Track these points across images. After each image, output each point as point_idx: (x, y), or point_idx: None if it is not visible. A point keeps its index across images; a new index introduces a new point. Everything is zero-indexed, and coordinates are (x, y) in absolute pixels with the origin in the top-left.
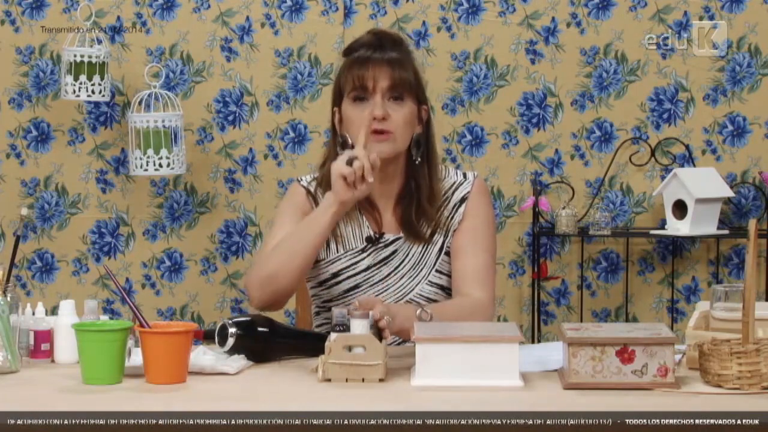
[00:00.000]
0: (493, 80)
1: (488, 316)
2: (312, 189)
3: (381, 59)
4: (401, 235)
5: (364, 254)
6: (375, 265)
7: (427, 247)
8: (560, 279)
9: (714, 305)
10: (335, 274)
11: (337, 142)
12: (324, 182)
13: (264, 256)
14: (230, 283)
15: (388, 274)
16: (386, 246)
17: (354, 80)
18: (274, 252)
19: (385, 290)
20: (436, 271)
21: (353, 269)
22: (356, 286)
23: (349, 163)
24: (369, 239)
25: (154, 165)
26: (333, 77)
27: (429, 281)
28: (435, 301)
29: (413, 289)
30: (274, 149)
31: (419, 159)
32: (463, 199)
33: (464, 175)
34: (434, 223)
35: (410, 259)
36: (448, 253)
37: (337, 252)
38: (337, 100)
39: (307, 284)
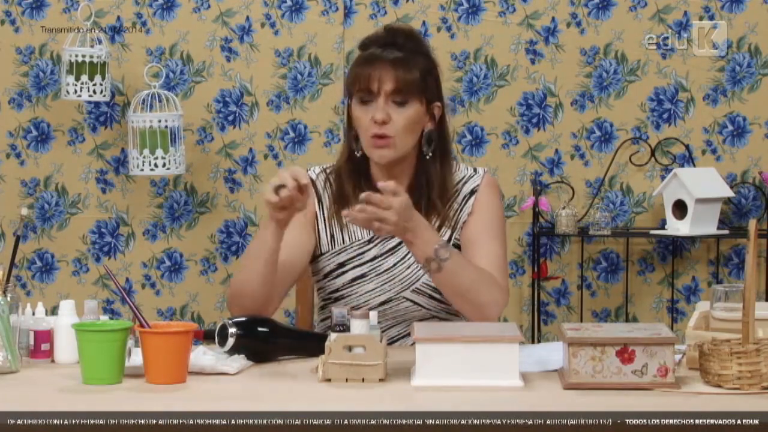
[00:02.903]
0: (493, 80)
1: (503, 300)
2: (322, 180)
3: (387, 60)
4: None
5: (371, 245)
6: (382, 255)
7: None
8: (560, 279)
9: (714, 305)
10: (341, 264)
11: (351, 134)
12: (338, 172)
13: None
14: (230, 283)
15: (395, 264)
16: (392, 237)
17: (360, 81)
18: (238, 270)
19: (392, 279)
20: None
21: (360, 259)
22: (362, 276)
23: (277, 190)
24: None
25: (150, 165)
26: (334, 75)
27: None
28: (441, 293)
29: (419, 279)
30: (274, 149)
31: (430, 155)
32: (472, 192)
33: (474, 170)
34: (442, 217)
35: None
36: (456, 246)
37: (344, 243)
38: (350, 92)
39: (312, 278)
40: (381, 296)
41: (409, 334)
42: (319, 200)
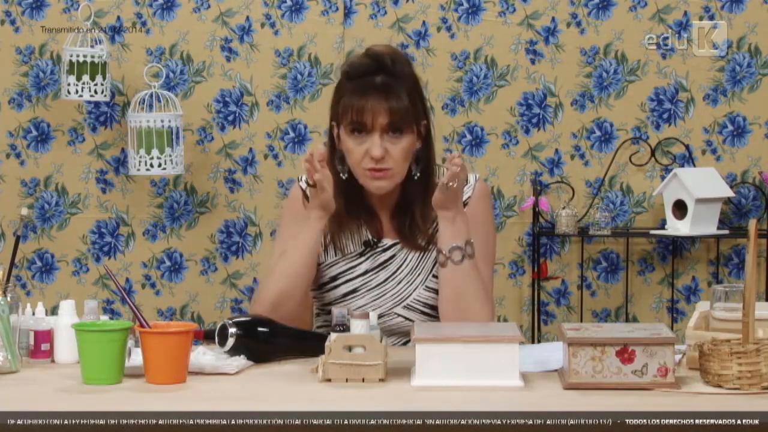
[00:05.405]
0: (493, 80)
1: (488, 321)
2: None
3: (378, 90)
4: (398, 240)
5: (362, 258)
6: (373, 269)
7: (424, 254)
8: (560, 279)
9: (714, 305)
10: (333, 278)
11: (337, 156)
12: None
13: (265, 282)
14: (230, 283)
15: (386, 279)
16: (384, 251)
17: (353, 114)
18: (273, 278)
19: (383, 294)
20: (434, 276)
21: (351, 273)
22: (354, 290)
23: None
24: (367, 243)
25: (146, 165)
26: (334, 75)
27: (426, 286)
28: (432, 307)
29: (411, 294)
30: (274, 149)
31: (418, 174)
32: (463, 204)
33: (466, 179)
34: (428, 238)
35: (407, 265)
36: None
37: (335, 256)
38: (337, 117)
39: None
40: (373, 312)
41: (403, 345)
42: None
